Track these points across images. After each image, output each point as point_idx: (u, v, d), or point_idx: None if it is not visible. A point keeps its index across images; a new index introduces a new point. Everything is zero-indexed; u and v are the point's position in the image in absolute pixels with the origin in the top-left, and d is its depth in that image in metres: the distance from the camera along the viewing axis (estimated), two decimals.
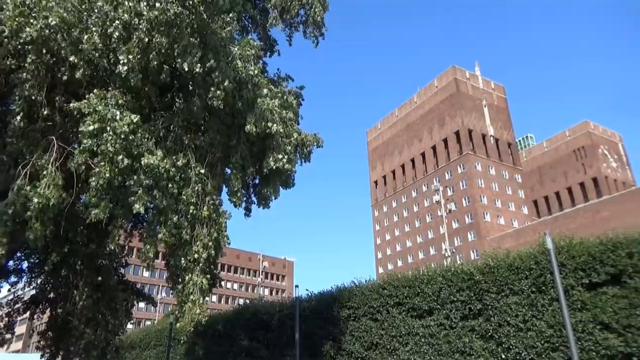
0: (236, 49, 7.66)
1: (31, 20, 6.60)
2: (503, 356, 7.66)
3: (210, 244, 7.40)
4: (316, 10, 10.14)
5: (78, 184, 7.12)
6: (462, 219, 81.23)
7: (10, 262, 11.45)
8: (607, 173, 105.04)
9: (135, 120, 6.72)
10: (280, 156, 7.87)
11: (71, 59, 6.77)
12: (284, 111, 8.19)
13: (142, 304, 17.89)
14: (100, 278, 11.90)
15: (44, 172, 6.74)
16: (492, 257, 8.46)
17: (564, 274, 7.25)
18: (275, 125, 7.70)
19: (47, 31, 6.52)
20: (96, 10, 6.94)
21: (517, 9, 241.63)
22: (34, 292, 13.73)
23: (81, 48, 6.75)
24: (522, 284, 7.76)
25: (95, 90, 6.87)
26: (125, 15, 6.59)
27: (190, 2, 6.62)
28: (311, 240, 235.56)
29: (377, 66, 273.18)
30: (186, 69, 6.79)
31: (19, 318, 13.97)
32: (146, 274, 79.36)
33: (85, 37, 6.74)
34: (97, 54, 6.90)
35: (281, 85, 9.40)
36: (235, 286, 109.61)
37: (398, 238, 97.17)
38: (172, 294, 8.50)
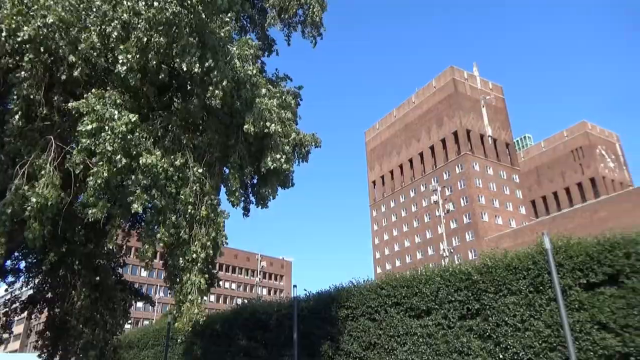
0: (235, 48, 7.66)
1: (29, 19, 6.58)
2: (501, 356, 7.66)
3: (208, 243, 7.39)
4: (314, 10, 10.15)
5: (76, 183, 7.12)
6: (460, 219, 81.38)
7: (8, 262, 11.44)
8: (604, 173, 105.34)
9: (133, 120, 6.71)
10: (278, 156, 7.87)
11: (69, 58, 6.76)
12: (282, 111, 8.19)
13: (140, 304, 17.90)
14: (98, 278, 11.91)
15: (42, 172, 6.72)
16: (490, 257, 8.46)
17: (562, 274, 7.26)
18: (273, 125, 7.70)
19: (45, 30, 6.51)
20: (95, 10, 6.93)
21: (515, 9, 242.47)
22: (31, 291, 13.69)
23: (79, 47, 6.74)
24: (519, 284, 7.77)
25: (93, 90, 6.85)
26: (124, 14, 6.60)
27: (189, 2, 6.62)
28: (309, 240, 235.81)
29: (376, 66, 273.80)
30: (185, 69, 6.78)
31: (16, 318, 13.94)
32: (144, 273, 79.14)
33: (84, 36, 6.74)
34: (95, 53, 6.89)
35: (279, 85, 9.40)
36: (234, 286, 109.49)
37: (396, 238, 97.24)
38: (170, 293, 8.48)
